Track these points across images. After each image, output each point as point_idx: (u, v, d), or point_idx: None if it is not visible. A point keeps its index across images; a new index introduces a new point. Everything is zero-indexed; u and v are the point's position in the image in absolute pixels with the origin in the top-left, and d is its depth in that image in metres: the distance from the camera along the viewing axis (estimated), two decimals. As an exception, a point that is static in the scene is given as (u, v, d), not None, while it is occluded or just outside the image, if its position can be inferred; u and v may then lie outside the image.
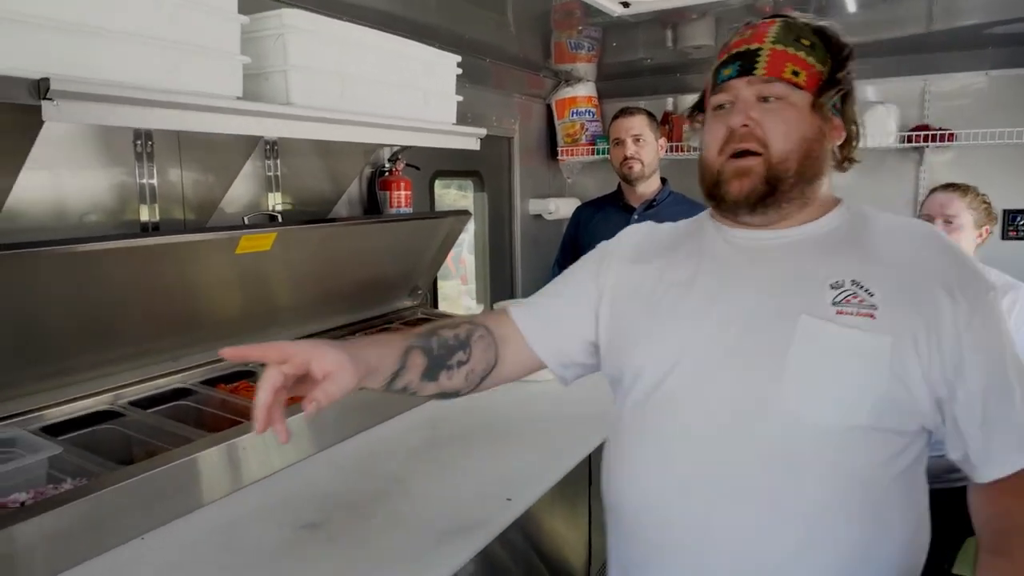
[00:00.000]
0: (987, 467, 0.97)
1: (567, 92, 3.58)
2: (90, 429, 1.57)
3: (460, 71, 2.12)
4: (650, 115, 2.59)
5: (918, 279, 0.98)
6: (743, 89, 1.02)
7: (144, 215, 1.68)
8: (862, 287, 0.98)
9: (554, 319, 1.19)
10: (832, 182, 1.08)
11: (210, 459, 1.42)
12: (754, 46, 1.03)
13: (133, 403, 1.66)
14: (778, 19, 1.06)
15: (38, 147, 1.28)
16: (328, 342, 0.97)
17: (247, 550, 1.25)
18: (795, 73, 1.01)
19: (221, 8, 1.40)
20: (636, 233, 1.22)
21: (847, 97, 1.06)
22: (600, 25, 2.70)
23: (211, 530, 1.32)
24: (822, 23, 1.07)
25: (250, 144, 1.77)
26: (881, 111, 2.89)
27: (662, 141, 2.61)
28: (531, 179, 3.60)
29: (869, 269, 0.99)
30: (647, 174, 2.55)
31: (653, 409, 1.06)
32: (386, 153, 2.46)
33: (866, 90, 3.01)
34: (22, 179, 1.34)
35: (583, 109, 3.58)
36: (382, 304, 2.54)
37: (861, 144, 1.10)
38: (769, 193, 1.01)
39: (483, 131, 2.21)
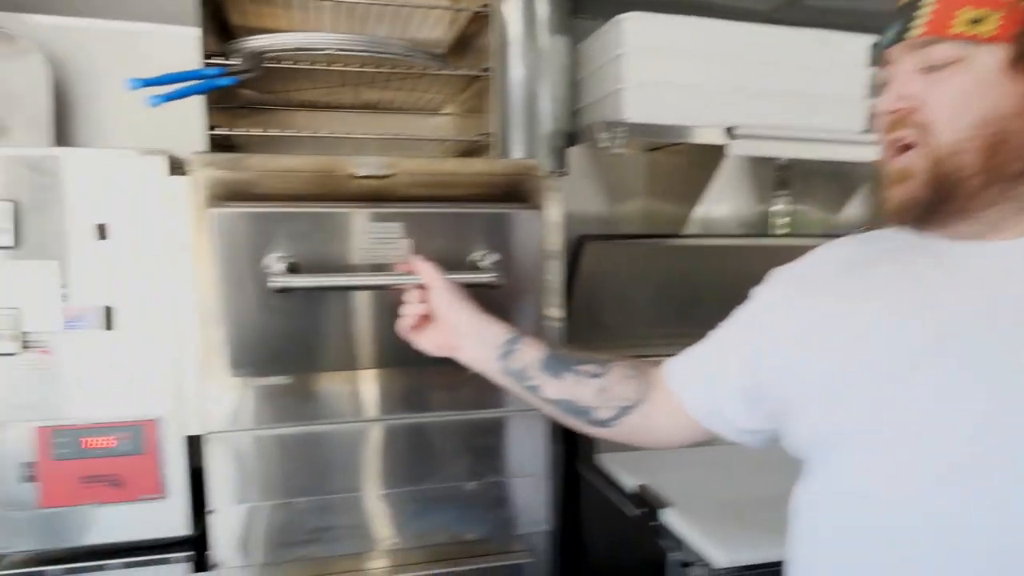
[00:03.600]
0: None
1: None
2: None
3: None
4: None
5: None
6: (903, 59, 0.75)
7: (776, 223, 2.24)
8: None
9: (702, 359, 0.99)
10: None
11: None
12: None
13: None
14: None
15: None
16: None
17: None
18: (974, 21, 0.69)
19: (852, 64, 1.83)
20: (815, 256, 0.93)
21: None
22: None
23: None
24: None
25: (866, 168, 2.14)
26: None
27: None
28: None
29: None
30: None
31: (873, 524, 0.73)
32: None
33: None
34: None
35: None
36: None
37: None
38: (940, 201, 0.73)
39: None
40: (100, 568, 1.37)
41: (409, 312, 1.12)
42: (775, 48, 1.76)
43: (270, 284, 1.13)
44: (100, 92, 1.94)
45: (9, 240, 1.27)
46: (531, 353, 1.05)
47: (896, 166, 0.76)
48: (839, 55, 1.81)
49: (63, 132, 1.91)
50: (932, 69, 0.72)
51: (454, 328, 1.08)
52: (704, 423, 0.98)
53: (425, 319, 1.12)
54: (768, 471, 1.43)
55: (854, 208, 2.34)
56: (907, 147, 0.74)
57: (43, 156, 1.30)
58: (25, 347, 1.31)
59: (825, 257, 0.91)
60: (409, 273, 1.13)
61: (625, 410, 1.01)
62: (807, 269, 0.92)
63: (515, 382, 1.06)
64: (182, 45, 1.41)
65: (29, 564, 1.36)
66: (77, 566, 1.36)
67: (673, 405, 1.00)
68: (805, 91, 1.79)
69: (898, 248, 0.82)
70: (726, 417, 0.96)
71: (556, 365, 1.04)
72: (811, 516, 0.83)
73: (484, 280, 1.21)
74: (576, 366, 1.04)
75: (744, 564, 1.33)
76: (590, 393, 1.02)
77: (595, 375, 1.03)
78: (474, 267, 1.27)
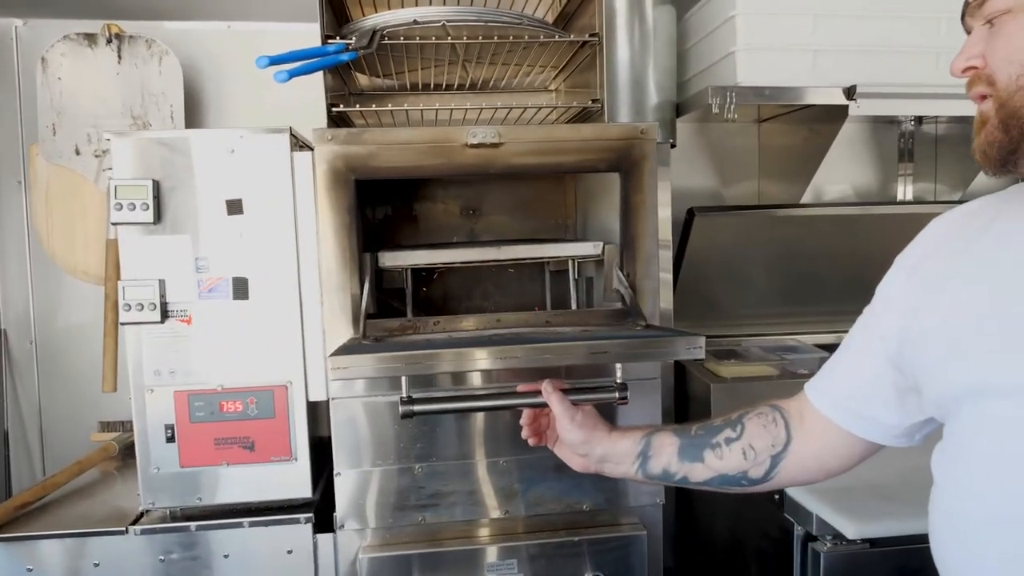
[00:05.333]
0: None
1: None
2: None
3: None
4: None
5: None
6: (974, 23, 0.81)
7: (900, 194, 2.11)
8: None
9: (841, 371, 0.97)
10: None
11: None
12: None
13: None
14: None
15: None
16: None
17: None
18: None
19: (987, 14, 1.71)
20: (930, 233, 0.92)
21: None
22: None
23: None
24: None
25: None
26: None
27: None
28: None
29: None
30: None
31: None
32: None
33: None
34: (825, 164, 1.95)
35: None
36: None
37: None
38: (1015, 141, 0.76)
39: None
40: (233, 526, 1.45)
41: (530, 436, 1.15)
42: (898, 0, 1.66)
43: (402, 411, 1.14)
44: (227, 87, 2.08)
45: (150, 217, 1.37)
46: (665, 451, 1.06)
47: (977, 116, 0.81)
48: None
49: (195, 125, 2.05)
50: (991, 24, 0.79)
51: (589, 457, 1.10)
52: (860, 433, 0.95)
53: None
54: (885, 454, 1.39)
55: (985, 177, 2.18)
56: (984, 98, 0.80)
57: (176, 137, 1.40)
58: (167, 316, 1.41)
59: (940, 234, 0.90)
60: (536, 394, 1.12)
61: (776, 458, 1.00)
62: (925, 250, 0.90)
63: (662, 481, 1.08)
64: (302, 40, 1.48)
65: (168, 520, 1.46)
66: (212, 523, 1.45)
67: (824, 427, 0.98)
68: (934, 44, 1.68)
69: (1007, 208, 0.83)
70: (882, 420, 0.93)
71: (692, 450, 1.04)
72: (955, 460, 0.82)
73: (612, 399, 1.17)
74: (712, 440, 1.03)
75: (875, 537, 1.28)
76: (736, 459, 1.01)
77: (733, 439, 1.02)
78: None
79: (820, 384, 1.00)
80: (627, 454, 1.07)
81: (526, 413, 1.15)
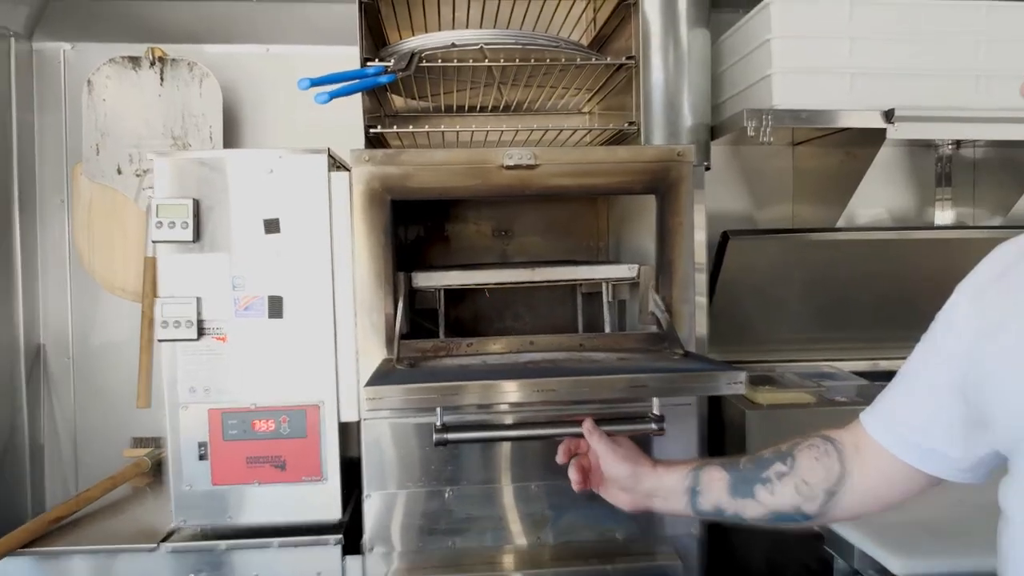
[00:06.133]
0: None
1: None
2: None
3: None
4: None
5: None
6: None
7: (938, 219, 2.08)
8: None
9: (901, 401, 0.93)
10: None
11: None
12: None
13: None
14: None
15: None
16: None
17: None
18: None
19: (1026, 37, 1.69)
20: (996, 258, 0.86)
21: None
22: None
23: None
24: None
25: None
26: None
27: None
28: None
29: None
30: None
31: None
32: None
33: None
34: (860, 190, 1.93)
35: None
36: None
37: None
38: None
39: None
40: (262, 546, 1.45)
41: (576, 478, 1.11)
42: (937, 23, 1.65)
43: (436, 440, 1.15)
44: (265, 109, 2.11)
45: (190, 235, 1.39)
46: (715, 486, 1.03)
47: None
48: (1013, 26, 1.67)
49: (233, 145, 2.08)
50: None
51: (637, 492, 1.08)
52: (921, 467, 0.90)
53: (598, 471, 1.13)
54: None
55: (1028, 202, 2.14)
56: None
57: (216, 157, 1.42)
58: (203, 334, 1.42)
59: (1006, 259, 0.84)
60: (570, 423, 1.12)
61: (831, 492, 0.96)
62: (989, 275, 0.85)
63: (715, 517, 1.05)
64: (338, 63, 1.50)
65: (198, 538, 1.46)
66: (241, 542, 1.44)
67: (883, 460, 0.93)
68: (973, 67, 1.66)
69: None
70: (945, 453, 0.88)
71: (743, 486, 1.01)
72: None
73: (649, 430, 1.17)
74: (763, 474, 1.00)
75: (921, 573, 1.23)
76: (789, 494, 0.98)
77: (784, 473, 0.98)
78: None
79: (878, 414, 0.95)
80: (675, 490, 1.04)
81: (562, 451, 1.13)
